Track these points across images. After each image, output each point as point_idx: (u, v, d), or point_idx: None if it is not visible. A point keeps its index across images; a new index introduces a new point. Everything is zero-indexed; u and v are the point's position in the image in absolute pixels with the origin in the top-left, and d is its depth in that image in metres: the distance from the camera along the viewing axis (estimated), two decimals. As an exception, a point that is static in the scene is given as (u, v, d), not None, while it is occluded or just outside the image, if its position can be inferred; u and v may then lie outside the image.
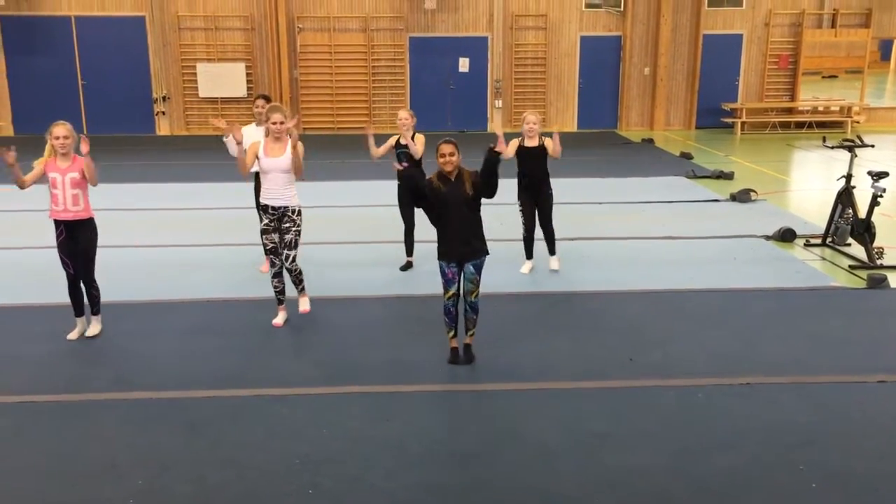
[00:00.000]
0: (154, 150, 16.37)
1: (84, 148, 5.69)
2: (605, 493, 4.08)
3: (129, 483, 4.17)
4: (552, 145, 7.28)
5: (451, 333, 5.68)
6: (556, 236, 7.74)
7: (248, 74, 18.52)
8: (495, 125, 19.08)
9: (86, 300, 6.11)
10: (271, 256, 6.29)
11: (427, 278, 7.59)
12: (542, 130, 7.44)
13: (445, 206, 5.42)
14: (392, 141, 7.61)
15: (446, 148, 5.39)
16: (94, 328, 6.19)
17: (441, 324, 5.69)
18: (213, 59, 18.47)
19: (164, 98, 18.58)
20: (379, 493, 4.09)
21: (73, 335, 6.10)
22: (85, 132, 18.21)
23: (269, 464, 4.35)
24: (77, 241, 5.92)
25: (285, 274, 6.39)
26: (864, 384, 5.32)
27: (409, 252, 7.95)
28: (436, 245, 5.54)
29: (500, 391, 5.26)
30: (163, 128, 18.74)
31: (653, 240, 9.06)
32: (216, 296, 7.08)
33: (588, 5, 18.88)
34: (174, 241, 8.92)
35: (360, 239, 9.02)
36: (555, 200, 7.61)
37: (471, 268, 5.52)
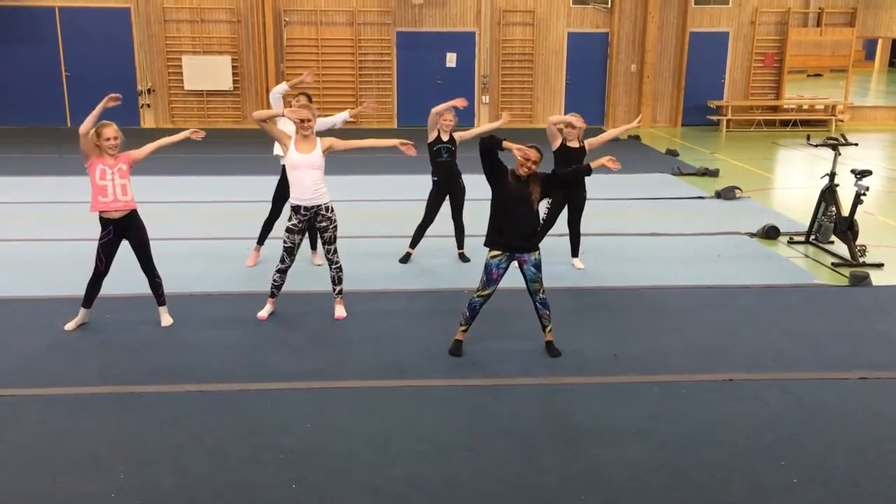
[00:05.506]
0: (138, 143, 16.19)
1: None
2: (588, 486, 4.10)
3: (111, 477, 4.14)
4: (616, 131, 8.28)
5: (464, 328, 5.72)
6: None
7: (234, 67, 18.42)
8: (482, 121, 19.10)
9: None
10: (284, 254, 6.22)
11: (417, 274, 7.59)
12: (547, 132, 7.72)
13: (511, 202, 5.49)
14: (431, 136, 7.81)
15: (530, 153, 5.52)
16: (167, 319, 6.21)
17: (430, 318, 5.68)
18: (199, 52, 18.35)
19: (148, 90, 18.45)
20: (363, 487, 4.09)
21: (71, 325, 6.06)
22: (68, 125, 18.11)
23: (253, 458, 4.34)
24: (130, 238, 6.01)
25: (290, 273, 6.36)
26: (846, 381, 5.37)
27: (414, 244, 7.92)
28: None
29: (484, 386, 5.27)
30: (147, 120, 18.61)
31: (637, 236, 9.09)
32: (199, 290, 7.05)
33: (576, 1, 18.90)
34: (158, 235, 8.84)
35: (350, 234, 8.98)
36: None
37: (532, 269, 5.57)
